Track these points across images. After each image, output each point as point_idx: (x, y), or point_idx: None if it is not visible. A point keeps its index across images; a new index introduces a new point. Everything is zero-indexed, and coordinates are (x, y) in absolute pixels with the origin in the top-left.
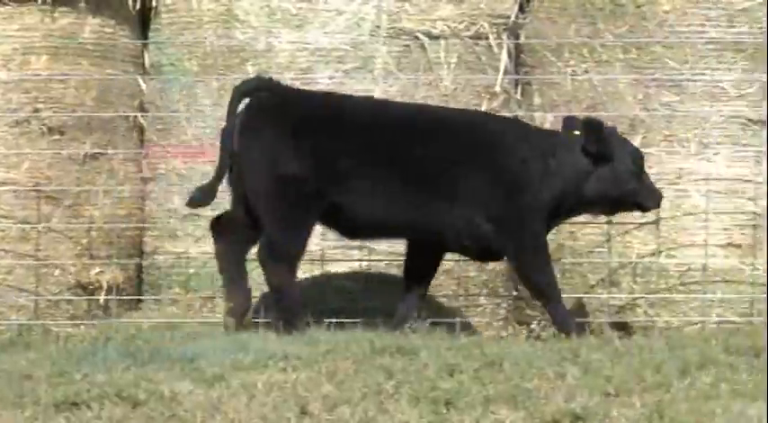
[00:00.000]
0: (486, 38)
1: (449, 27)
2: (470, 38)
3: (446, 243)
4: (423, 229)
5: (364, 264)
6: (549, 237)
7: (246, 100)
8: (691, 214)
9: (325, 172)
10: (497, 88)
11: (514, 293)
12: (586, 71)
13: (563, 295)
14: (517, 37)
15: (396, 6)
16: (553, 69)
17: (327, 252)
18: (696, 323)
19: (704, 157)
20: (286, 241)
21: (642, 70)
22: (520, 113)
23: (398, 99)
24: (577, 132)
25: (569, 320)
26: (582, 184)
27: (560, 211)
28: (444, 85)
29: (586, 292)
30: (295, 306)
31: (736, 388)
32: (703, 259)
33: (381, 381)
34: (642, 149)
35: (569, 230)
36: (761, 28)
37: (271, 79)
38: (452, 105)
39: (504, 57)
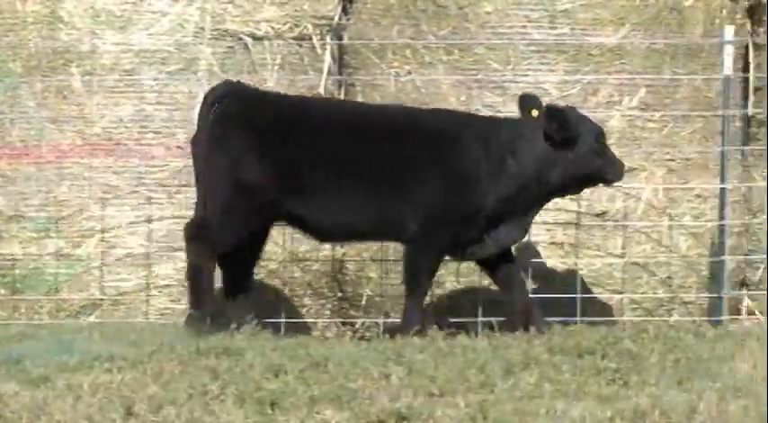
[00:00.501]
0: (310, 39)
1: (273, 28)
2: (294, 39)
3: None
4: (385, 233)
5: None
6: None
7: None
8: None
9: (284, 181)
10: (321, 89)
11: (339, 294)
12: (409, 72)
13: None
14: (340, 38)
15: (220, 8)
16: (376, 70)
17: (153, 253)
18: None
19: None
20: (220, 231)
21: (465, 71)
22: None
23: None
24: (535, 112)
25: (415, 321)
26: (548, 173)
27: (529, 203)
28: (268, 86)
29: None
30: (207, 290)
31: (560, 388)
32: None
33: (207, 381)
34: None
35: None
36: (583, 29)
37: (239, 84)
38: None
39: (328, 58)
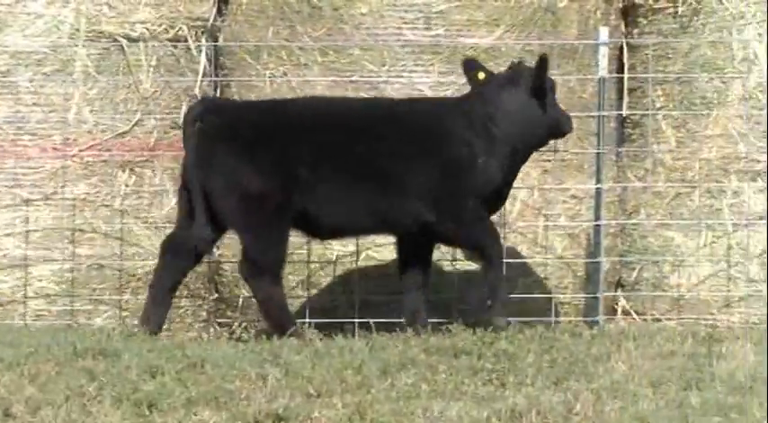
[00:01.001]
0: (185, 40)
1: (148, 30)
2: (169, 40)
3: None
4: (387, 226)
5: (66, 266)
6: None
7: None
8: None
9: (286, 182)
10: (197, 90)
11: (215, 295)
12: (285, 73)
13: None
14: (216, 39)
15: (95, 10)
16: (252, 72)
17: (30, 255)
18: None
19: None
20: (264, 255)
21: (340, 72)
22: None
23: (98, 102)
24: (482, 75)
25: (501, 283)
26: (528, 128)
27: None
28: (144, 87)
29: (288, 294)
30: (284, 315)
31: (436, 388)
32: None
33: (84, 383)
34: None
35: None
36: (457, 30)
37: (216, 99)
38: (153, 107)
39: (203, 59)
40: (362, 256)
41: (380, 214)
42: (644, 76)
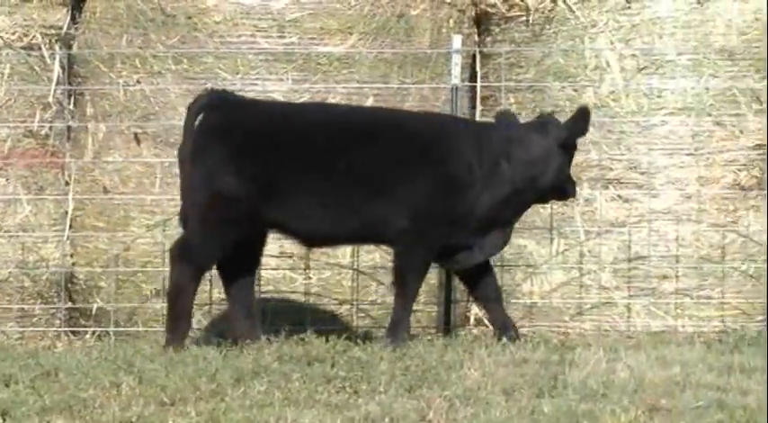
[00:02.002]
0: (39, 48)
1: (1, 38)
2: (23, 48)
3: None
4: (368, 237)
5: None
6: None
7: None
8: None
9: (262, 193)
10: (50, 99)
11: (69, 304)
12: (138, 81)
13: (120, 305)
14: (70, 47)
15: None
16: (105, 80)
17: None
18: None
19: None
20: (200, 248)
21: (194, 80)
22: (72, 124)
23: None
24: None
25: (404, 325)
26: (540, 177)
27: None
28: None
29: (142, 303)
30: (184, 312)
31: (290, 396)
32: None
33: None
34: None
35: (122, 240)
36: (311, 38)
37: (223, 93)
38: (6, 115)
39: (57, 67)
40: None
41: (365, 224)
42: (497, 84)
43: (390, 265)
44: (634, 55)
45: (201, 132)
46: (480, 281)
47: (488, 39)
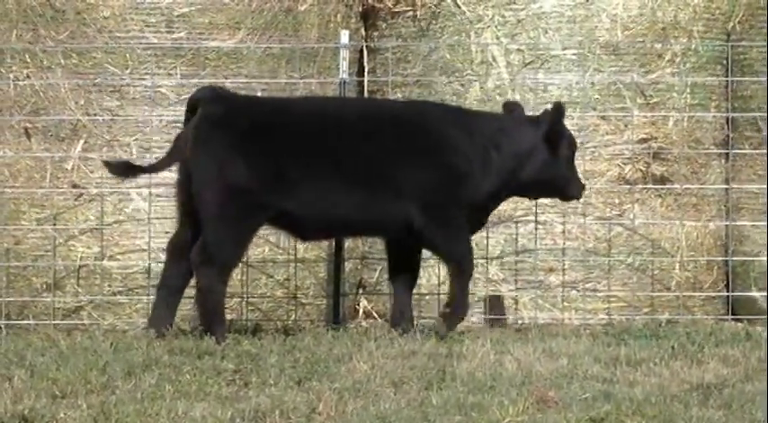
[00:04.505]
0: None
1: None
2: None
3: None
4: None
5: None
6: None
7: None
8: (134, 218)
9: (273, 182)
10: None
11: None
12: (28, 76)
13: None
14: None
15: None
16: None
17: None
18: (141, 325)
19: (146, 161)
20: (222, 248)
21: (83, 75)
22: None
23: None
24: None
25: (466, 302)
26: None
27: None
28: None
29: (33, 296)
30: (218, 312)
31: (180, 388)
32: (146, 262)
33: None
34: (85, 154)
35: (13, 234)
36: (200, 33)
37: (221, 89)
38: None
39: None
40: (106, 259)
41: (372, 215)
42: (384, 78)
43: (281, 258)
44: (520, 50)
45: (206, 125)
46: (405, 265)
47: (376, 34)
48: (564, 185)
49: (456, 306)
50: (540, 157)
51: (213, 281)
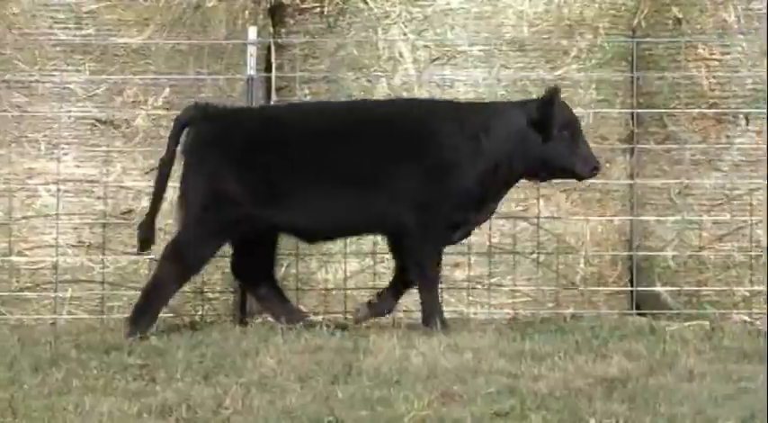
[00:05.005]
0: None
1: None
2: None
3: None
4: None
5: None
6: None
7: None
8: (42, 214)
9: (266, 196)
10: None
11: None
12: None
13: None
14: None
15: None
16: None
17: None
18: (49, 321)
19: (54, 158)
20: (194, 252)
21: None
22: None
23: None
24: None
25: (436, 312)
26: (520, 156)
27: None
28: None
29: None
30: (154, 309)
31: (88, 384)
32: (54, 258)
33: None
34: None
35: None
36: (108, 29)
37: (207, 106)
38: None
39: None
40: (13, 254)
41: (368, 218)
42: (292, 75)
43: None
44: (427, 46)
45: (195, 144)
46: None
47: (283, 30)
48: (566, 165)
49: (426, 311)
50: (533, 139)
51: (170, 279)
